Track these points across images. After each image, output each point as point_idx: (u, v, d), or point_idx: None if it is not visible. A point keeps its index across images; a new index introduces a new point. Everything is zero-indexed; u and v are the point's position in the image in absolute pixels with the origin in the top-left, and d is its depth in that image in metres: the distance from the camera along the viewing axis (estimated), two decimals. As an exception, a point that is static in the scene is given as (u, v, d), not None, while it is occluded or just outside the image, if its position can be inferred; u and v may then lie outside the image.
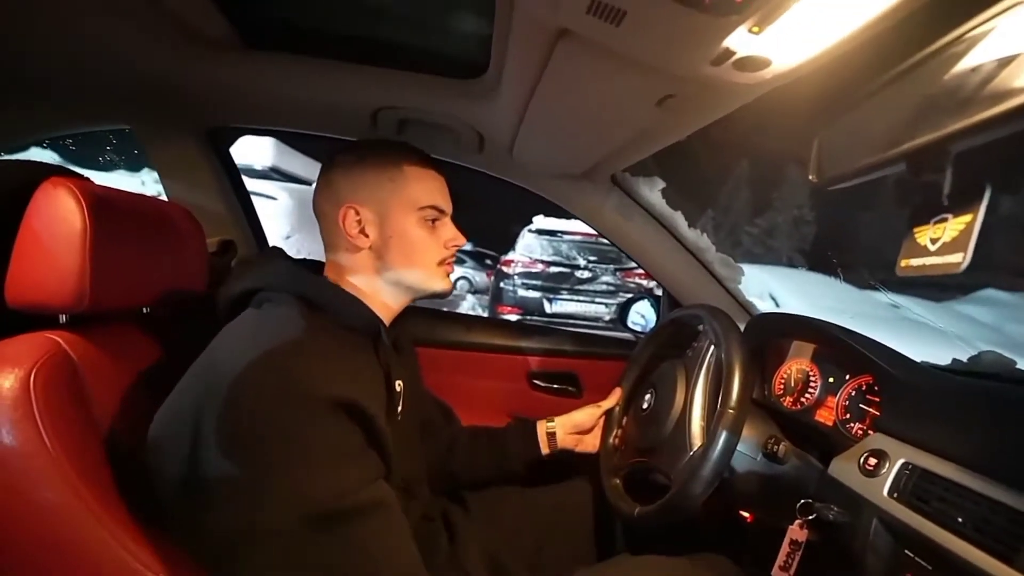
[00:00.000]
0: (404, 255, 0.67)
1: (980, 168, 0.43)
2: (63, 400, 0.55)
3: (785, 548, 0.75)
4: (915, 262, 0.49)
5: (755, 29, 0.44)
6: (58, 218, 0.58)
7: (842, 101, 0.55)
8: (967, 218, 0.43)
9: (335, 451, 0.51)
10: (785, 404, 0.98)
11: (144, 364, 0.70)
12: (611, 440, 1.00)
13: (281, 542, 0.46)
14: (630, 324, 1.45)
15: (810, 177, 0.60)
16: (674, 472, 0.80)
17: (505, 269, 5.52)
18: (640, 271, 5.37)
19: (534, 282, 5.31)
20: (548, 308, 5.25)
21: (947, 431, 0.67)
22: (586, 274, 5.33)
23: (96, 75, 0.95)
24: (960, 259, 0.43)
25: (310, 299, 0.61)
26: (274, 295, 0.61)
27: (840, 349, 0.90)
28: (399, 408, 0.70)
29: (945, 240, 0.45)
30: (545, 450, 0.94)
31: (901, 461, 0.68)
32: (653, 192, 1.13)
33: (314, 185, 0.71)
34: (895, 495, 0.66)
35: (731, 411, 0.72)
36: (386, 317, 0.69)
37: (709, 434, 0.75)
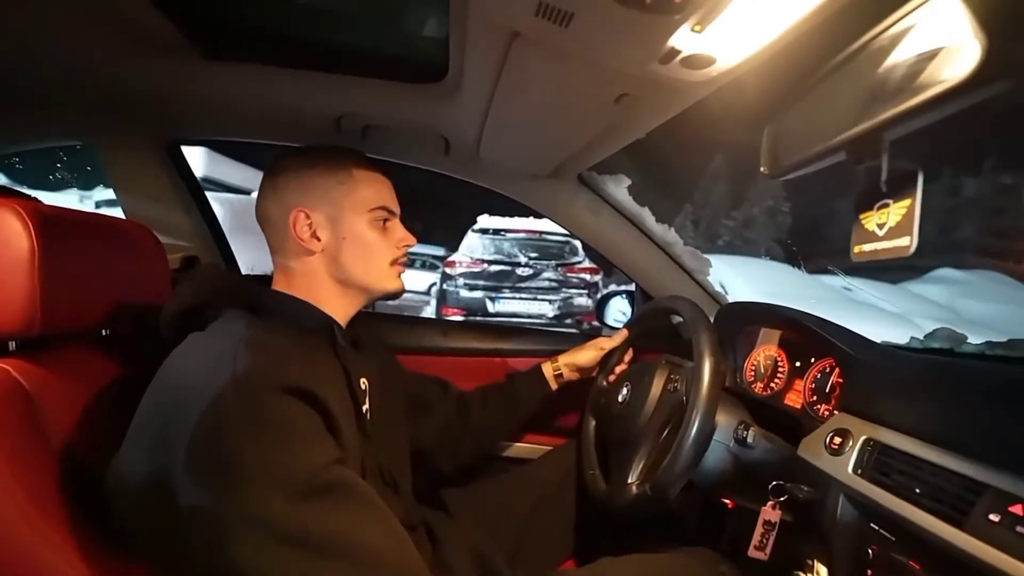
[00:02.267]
0: (358, 257, 0.68)
1: (913, 154, 0.45)
2: (15, 429, 0.52)
3: (759, 529, 0.77)
4: (867, 247, 0.51)
5: (697, 28, 0.45)
6: (3, 240, 0.56)
7: (787, 94, 0.57)
8: (906, 203, 0.45)
9: (298, 431, 0.50)
10: (756, 390, 1.01)
11: (104, 387, 0.68)
12: (602, 380, 1.08)
13: (264, 529, 0.45)
14: (609, 321, 1.47)
15: (762, 168, 0.62)
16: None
17: (448, 271, 5.48)
18: (583, 267, 5.37)
19: (476, 282, 5.28)
20: (491, 307, 5.23)
21: (904, 406, 0.70)
22: (527, 271, 5.31)
23: (48, 89, 0.92)
24: (908, 242, 0.46)
25: (257, 309, 0.61)
26: (220, 310, 0.60)
27: (804, 334, 0.94)
28: (365, 406, 0.70)
29: (891, 225, 0.48)
30: (554, 386, 1.03)
31: (863, 438, 0.70)
32: (619, 189, 1.15)
33: (256, 193, 0.70)
34: (859, 471, 0.68)
35: (699, 407, 0.74)
36: (341, 318, 0.69)
37: (681, 431, 0.76)
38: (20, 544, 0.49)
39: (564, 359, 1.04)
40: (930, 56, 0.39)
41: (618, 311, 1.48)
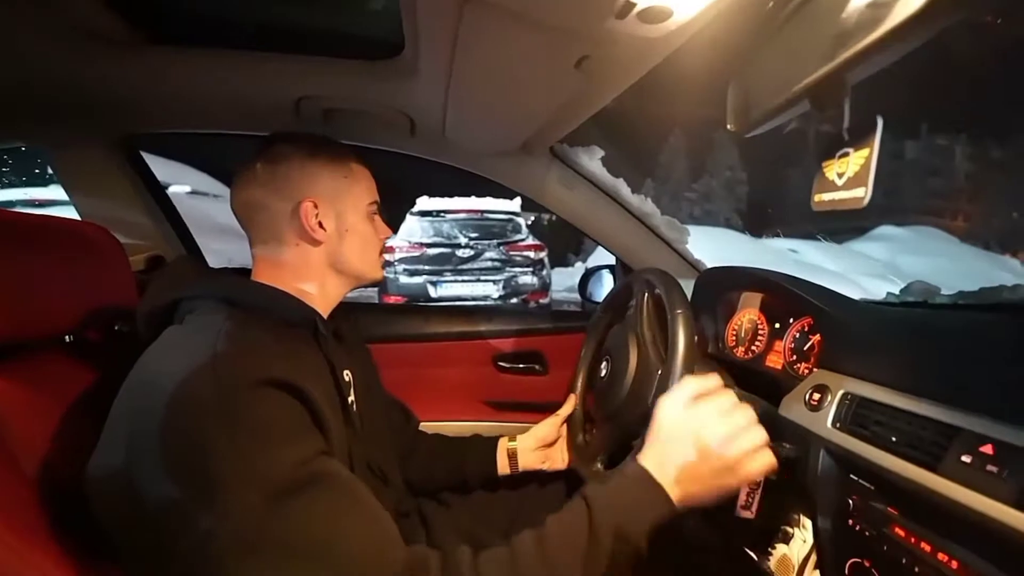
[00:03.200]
0: (356, 248, 0.70)
1: (873, 101, 0.44)
2: None
3: (744, 488, 0.78)
4: (826, 197, 0.50)
5: (649, -25, 0.43)
6: None
7: (748, 46, 0.55)
8: (865, 152, 0.45)
9: (280, 427, 0.49)
10: (738, 355, 1.02)
11: (72, 394, 0.65)
12: (580, 439, 0.96)
13: (249, 524, 0.44)
14: (595, 298, 1.47)
15: (728, 125, 0.61)
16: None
17: (387, 256, 5.34)
18: (526, 244, 5.29)
19: (416, 267, 5.08)
20: (433, 292, 5.06)
21: (881, 359, 0.71)
22: (469, 252, 5.16)
23: None
24: (862, 193, 0.45)
25: (236, 300, 0.58)
26: (197, 303, 0.58)
27: (782, 295, 0.94)
28: (351, 398, 0.69)
29: (849, 175, 0.47)
30: (504, 471, 0.91)
31: (841, 392, 0.71)
32: (593, 161, 1.13)
33: (242, 180, 0.66)
34: (837, 425, 0.69)
35: (679, 355, 0.73)
36: (323, 309, 0.68)
37: (658, 384, 0.76)
38: None
39: (524, 436, 0.93)
40: (886, -11, 0.38)
41: (599, 286, 1.47)
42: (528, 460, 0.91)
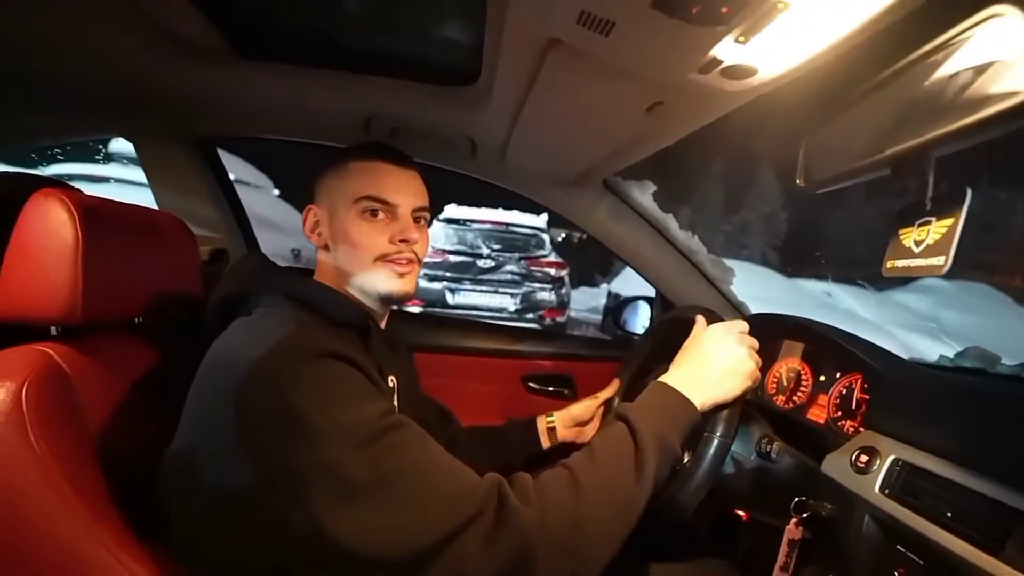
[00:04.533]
0: (346, 252, 0.65)
1: (960, 173, 0.44)
2: (55, 413, 0.54)
3: (784, 548, 0.76)
4: (900, 263, 0.50)
5: (741, 39, 0.45)
6: (49, 230, 0.58)
7: (827, 107, 0.56)
8: (949, 221, 0.45)
9: (353, 388, 0.51)
10: (778, 403, 1.00)
11: (138, 375, 0.70)
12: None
13: (340, 475, 0.46)
14: (629, 328, 1.46)
15: (797, 181, 0.61)
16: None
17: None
18: (548, 260, 5.24)
19: (436, 272, 5.06)
20: (450, 299, 5.03)
21: (935, 427, 0.68)
22: (489, 263, 5.13)
23: (89, 84, 0.94)
24: (942, 262, 0.45)
25: (298, 298, 0.61)
26: (263, 298, 0.61)
27: (829, 347, 0.92)
28: (395, 403, 0.70)
29: (928, 243, 0.47)
30: (546, 444, 0.93)
31: (892, 457, 0.69)
32: (645, 195, 1.14)
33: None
34: (886, 491, 0.67)
35: (723, 418, 0.72)
36: (375, 314, 0.69)
37: (701, 441, 0.75)
38: (56, 524, 0.50)
39: (560, 413, 0.96)
40: (986, 72, 0.38)
41: (634, 316, 1.47)
42: (564, 435, 0.95)
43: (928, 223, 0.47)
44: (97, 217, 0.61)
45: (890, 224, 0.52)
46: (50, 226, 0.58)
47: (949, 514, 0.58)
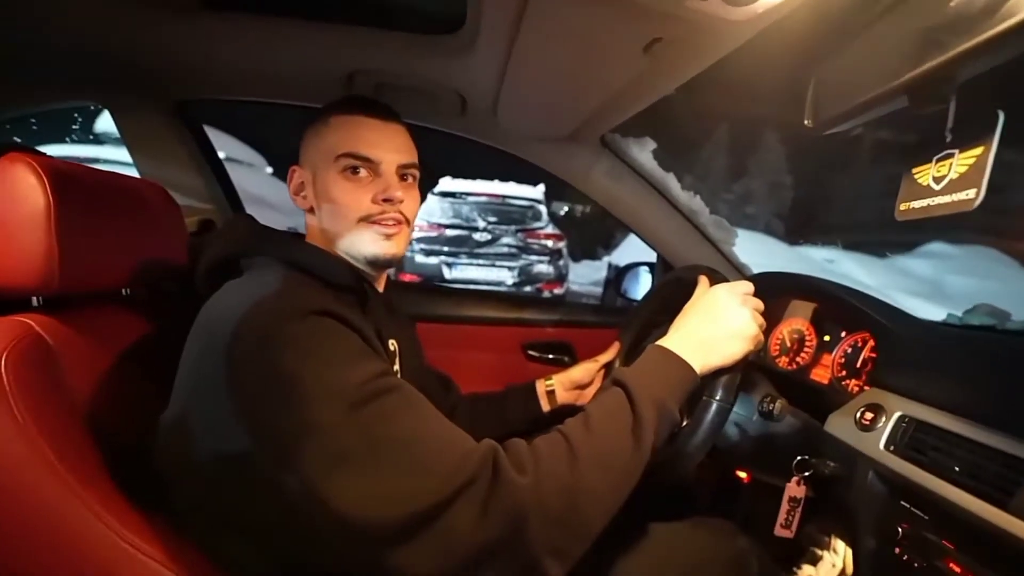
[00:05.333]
0: (329, 213, 0.63)
1: (987, 96, 0.40)
2: (37, 383, 0.52)
3: (784, 506, 0.75)
4: (917, 204, 0.46)
5: (745, -48, 0.40)
6: (18, 195, 0.55)
7: (837, 36, 0.51)
8: (977, 151, 0.41)
9: (346, 348, 0.50)
10: (781, 364, 0.97)
11: (125, 346, 0.68)
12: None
13: (332, 436, 0.45)
14: (631, 295, 1.44)
15: (805, 121, 0.57)
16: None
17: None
18: (546, 232, 5.15)
19: (432, 247, 5.00)
20: (447, 274, 4.98)
21: (944, 383, 0.66)
22: (486, 236, 5.06)
23: (56, 49, 0.90)
24: (973, 194, 0.41)
25: (291, 260, 0.58)
26: (254, 260, 0.59)
27: (838, 306, 0.89)
28: (395, 367, 0.69)
29: (952, 177, 0.43)
30: (546, 407, 0.92)
31: (898, 414, 0.67)
32: (644, 153, 1.09)
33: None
34: (891, 448, 0.65)
35: (723, 382, 0.70)
36: (371, 277, 0.67)
37: (699, 405, 0.73)
38: (46, 495, 0.49)
39: (559, 376, 0.95)
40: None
41: (635, 282, 1.44)
42: (564, 398, 0.94)
43: (949, 156, 0.43)
44: (68, 181, 0.58)
45: (902, 162, 0.48)
46: (18, 191, 0.55)
47: (956, 468, 0.56)
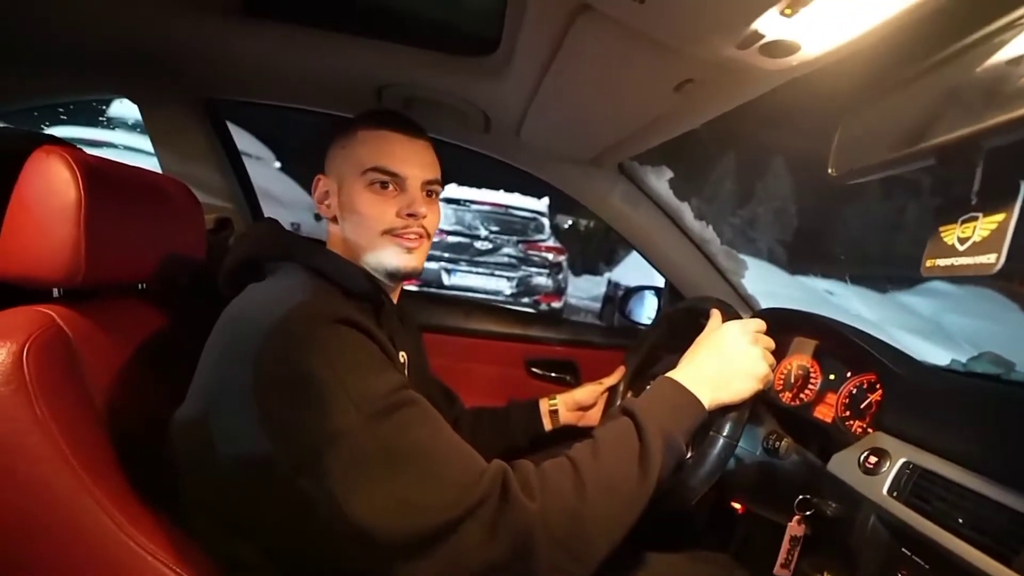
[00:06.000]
0: (353, 224, 0.64)
1: (1013, 165, 0.42)
2: (57, 375, 0.53)
3: (785, 545, 0.75)
4: (942, 262, 0.47)
5: (787, 11, 0.42)
6: (51, 188, 0.56)
7: (868, 92, 0.53)
8: (999, 217, 0.42)
9: (368, 358, 0.51)
10: (784, 400, 0.98)
11: (142, 340, 0.68)
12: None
13: (351, 442, 0.45)
14: (635, 317, 1.44)
15: (829, 170, 0.58)
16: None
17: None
18: (547, 245, 5.16)
19: (432, 252, 4.88)
20: (446, 280, 4.97)
21: (949, 431, 0.67)
22: (487, 245, 5.05)
23: (89, 40, 0.91)
24: (994, 259, 0.42)
25: (312, 266, 0.60)
26: (277, 264, 0.60)
27: (843, 346, 0.90)
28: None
29: (975, 240, 0.44)
30: (548, 426, 0.93)
31: (902, 460, 0.68)
32: (660, 182, 1.11)
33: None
34: (895, 494, 0.66)
35: (730, 419, 0.70)
36: (388, 288, 0.68)
37: (706, 440, 0.74)
38: (56, 488, 0.49)
39: (563, 396, 0.96)
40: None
41: (640, 306, 1.45)
42: (567, 419, 0.95)
43: (974, 219, 0.44)
44: (99, 176, 0.59)
45: (930, 221, 0.49)
46: (52, 184, 0.56)
47: (961, 520, 0.57)
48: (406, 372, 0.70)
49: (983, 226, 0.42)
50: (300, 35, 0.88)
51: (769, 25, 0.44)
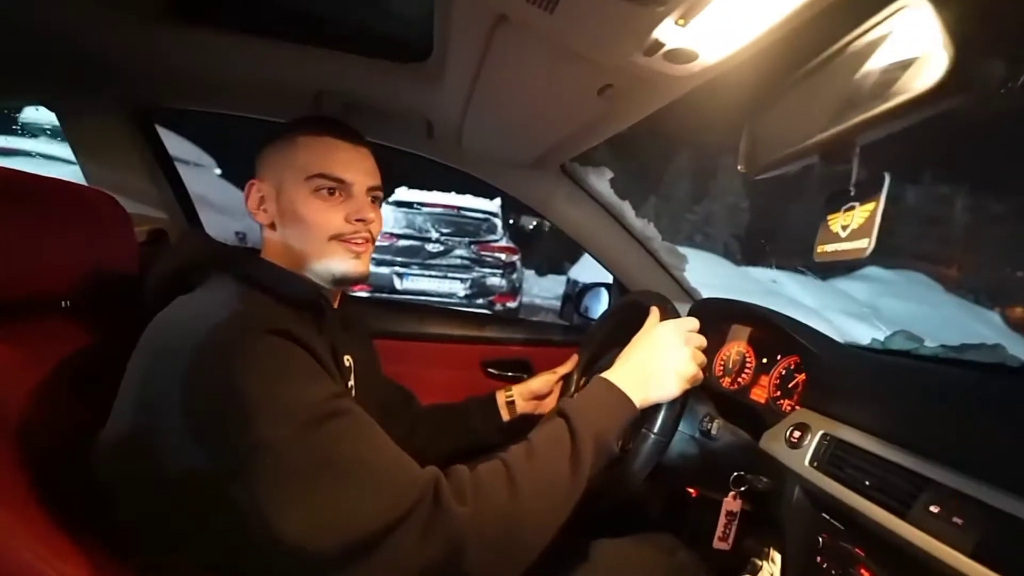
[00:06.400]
0: (297, 231, 0.64)
1: (881, 159, 0.47)
2: None
3: (722, 519, 0.80)
4: (828, 248, 0.52)
5: (680, 21, 0.45)
6: None
7: (766, 95, 0.58)
8: (870, 206, 0.47)
9: (299, 368, 0.50)
10: (724, 385, 1.04)
11: (63, 360, 0.65)
12: (572, 395, 1.00)
13: (282, 454, 0.45)
14: (586, 312, 1.48)
15: (739, 167, 0.63)
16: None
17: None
18: (499, 246, 5.18)
19: (383, 257, 4.89)
20: (398, 284, 4.91)
21: (860, 404, 0.73)
22: (438, 247, 5.03)
23: (9, 43, 0.86)
24: (865, 244, 0.47)
25: (246, 276, 0.59)
26: (207, 276, 0.59)
27: (772, 331, 0.96)
28: (350, 383, 0.69)
29: (853, 227, 0.49)
30: (506, 417, 0.96)
31: (820, 433, 0.73)
32: (602, 182, 1.15)
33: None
34: (815, 464, 0.71)
35: (661, 417, 0.72)
36: (328, 293, 0.68)
37: (639, 436, 0.77)
38: None
39: (518, 388, 0.99)
40: (902, 64, 0.40)
41: (594, 303, 1.49)
42: (523, 408, 0.98)
43: (853, 208, 0.49)
44: (3, 189, 0.56)
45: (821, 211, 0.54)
46: None
47: (867, 483, 0.62)
48: (352, 376, 0.70)
49: (859, 214, 0.47)
50: (235, 41, 0.87)
51: (668, 34, 0.48)
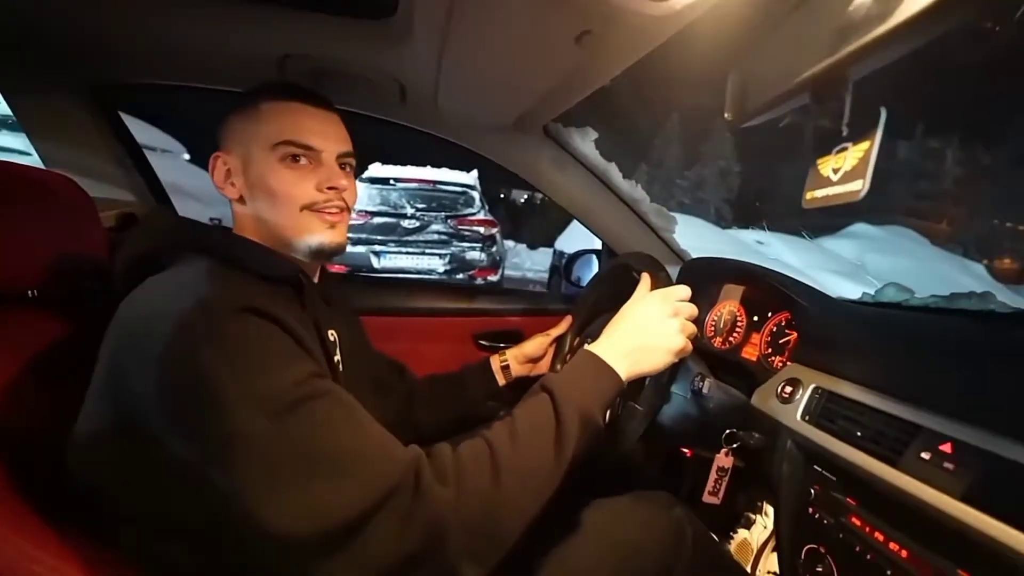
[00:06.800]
0: (267, 203, 0.61)
1: (875, 94, 0.44)
2: None
3: (713, 475, 0.80)
4: (819, 193, 0.50)
5: (660, -51, 0.41)
6: None
7: (750, 34, 0.54)
8: (865, 145, 0.44)
9: (273, 350, 0.48)
10: (715, 344, 1.03)
11: (32, 351, 0.63)
12: (558, 366, 1.02)
13: (260, 444, 0.44)
14: (578, 280, 1.47)
15: (725, 115, 0.60)
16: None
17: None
18: (477, 219, 5.08)
19: (359, 235, 4.78)
20: (376, 263, 4.81)
21: (852, 356, 0.72)
22: (414, 224, 4.91)
23: None
24: (860, 186, 0.45)
25: (220, 254, 0.56)
26: (178, 255, 0.56)
27: (764, 288, 0.95)
28: (337, 357, 0.67)
29: (846, 169, 0.47)
30: (501, 381, 0.97)
31: (812, 386, 0.73)
32: (586, 143, 1.11)
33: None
34: (806, 417, 0.71)
35: (647, 389, 0.72)
36: (306, 269, 0.65)
37: (624, 410, 0.76)
38: None
39: (512, 352, 0.99)
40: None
41: (585, 269, 1.48)
42: (518, 371, 0.99)
43: (845, 149, 0.46)
44: None
45: (810, 156, 0.52)
46: None
47: (859, 433, 0.62)
48: (337, 351, 0.68)
49: (852, 155, 0.45)
50: (189, 5, 0.81)
51: (645, -34, 0.44)
